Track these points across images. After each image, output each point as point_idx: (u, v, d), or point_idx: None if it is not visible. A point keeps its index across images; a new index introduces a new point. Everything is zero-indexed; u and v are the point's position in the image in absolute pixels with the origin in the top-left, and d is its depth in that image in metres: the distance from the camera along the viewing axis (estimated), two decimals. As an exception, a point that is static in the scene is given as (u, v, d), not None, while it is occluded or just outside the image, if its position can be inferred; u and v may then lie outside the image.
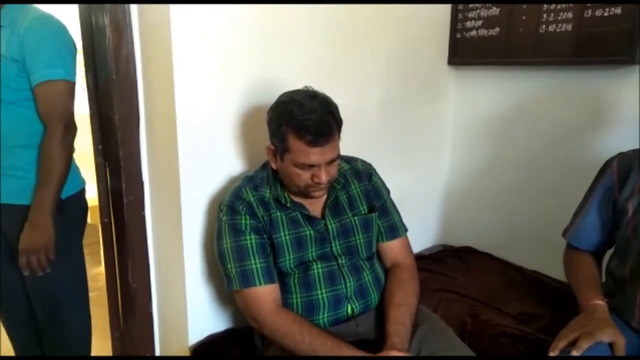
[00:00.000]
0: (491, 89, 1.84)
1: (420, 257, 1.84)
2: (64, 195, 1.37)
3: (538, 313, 1.47)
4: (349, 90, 1.58)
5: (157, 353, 1.54)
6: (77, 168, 1.48)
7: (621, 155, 1.20)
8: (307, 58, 1.46)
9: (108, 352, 1.71)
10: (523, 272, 1.74)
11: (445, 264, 1.83)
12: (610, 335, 1.02)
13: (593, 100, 1.57)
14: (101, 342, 1.93)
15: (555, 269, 1.63)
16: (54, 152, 1.27)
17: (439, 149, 2.00)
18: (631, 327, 1.11)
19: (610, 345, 1.02)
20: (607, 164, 1.22)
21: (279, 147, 1.13)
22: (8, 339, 1.76)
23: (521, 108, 1.77)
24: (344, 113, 1.15)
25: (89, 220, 2.37)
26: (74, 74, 1.31)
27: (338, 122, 1.12)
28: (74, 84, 1.31)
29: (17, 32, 1.23)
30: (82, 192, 1.49)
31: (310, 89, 1.14)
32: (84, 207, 1.51)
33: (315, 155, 1.08)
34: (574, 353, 0.98)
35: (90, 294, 1.97)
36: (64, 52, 1.28)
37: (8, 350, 1.89)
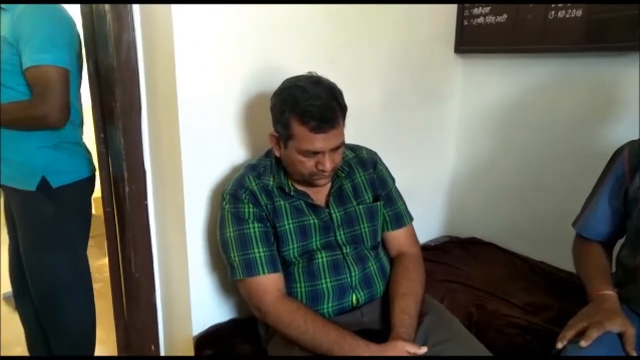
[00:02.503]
0: (499, 77, 1.81)
1: (425, 248, 1.82)
2: (55, 184, 1.39)
3: (545, 304, 1.45)
4: (353, 79, 1.55)
5: (161, 343, 1.54)
6: (75, 159, 1.47)
7: (632, 144, 1.17)
8: (311, 44, 1.44)
9: (112, 342, 1.71)
10: (529, 263, 1.72)
11: (451, 255, 1.81)
12: (620, 325, 1.00)
13: (603, 88, 1.53)
14: (106, 333, 1.93)
15: (562, 260, 1.61)
16: (25, 113, 1.28)
17: (445, 139, 1.97)
18: None
19: (620, 335, 1.00)
20: (618, 152, 1.19)
21: (283, 134, 1.11)
22: (8, 339, 1.81)
23: (529, 97, 1.74)
24: (347, 102, 1.13)
25: (94, 211, 2.36)
26: (65, 60, 1.29)
27: (343, 109, 1.10)
28: (65, 70, 1.29)
29: (14, 16, 1.26)
30: (79, 182, 1.47)
31: (314, 74, 1.12)
32: (79, 196, 1.50)
33: (320, 141, 1.06)
34: (583, 343, 0.96)
35: (96, 285, 1.97)
36: (56, 37, 1.28)
37: (8, 350, 1.91)
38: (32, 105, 1.28)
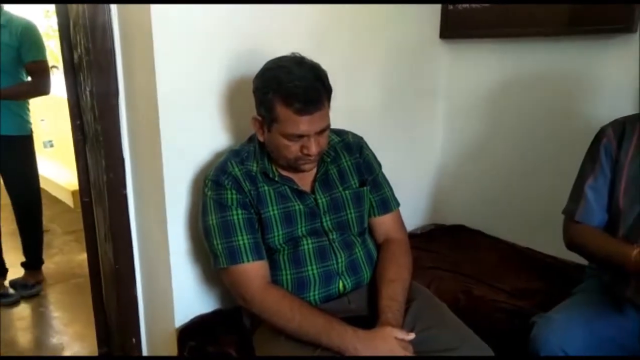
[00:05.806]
0: (485, 63, 1.79)
1: (412, 236, 1.80)
2: None
3: (532, 288, 1.45)
4: (336, 66, 1.51)
5: (143, 336, 1.50)
6: None
7: (613, 123, 1.17)
8: (297, 28, 1.40)
9: (93, 337, 1.67)
10: (516, 249, 1.72)
11: (437, 242, 1.80)
12: None
13: (590, 73, 1.52)
14: (87, 328, 1.88)
15: (548, 246, 1.61)
16: (31, 88, 2.20)
17: (431, 125, 1.96)
18: (625, 298, 1.09)
19: None
20: (602, 131, 1.18)
21: (266, 117, 1.08)
22: (7, 339, 1.86)
23: (516, 82, 1.72)
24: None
25: (72, 205, 2.31)
26: (45, 55, 2.21)
27: (327, 90, 1.07)
28: (47, 61, 2.21)
29: (14, 30, 2.08)
30: None
31: (298, 55, 1.09)
32: None
33: (305, 124, 1.03)
34: None
35: (76, 281, 1.92)
36: (41, 43, 2.20)
37: (8, 349, 1.85)
38: (35, 84, 2.18)
